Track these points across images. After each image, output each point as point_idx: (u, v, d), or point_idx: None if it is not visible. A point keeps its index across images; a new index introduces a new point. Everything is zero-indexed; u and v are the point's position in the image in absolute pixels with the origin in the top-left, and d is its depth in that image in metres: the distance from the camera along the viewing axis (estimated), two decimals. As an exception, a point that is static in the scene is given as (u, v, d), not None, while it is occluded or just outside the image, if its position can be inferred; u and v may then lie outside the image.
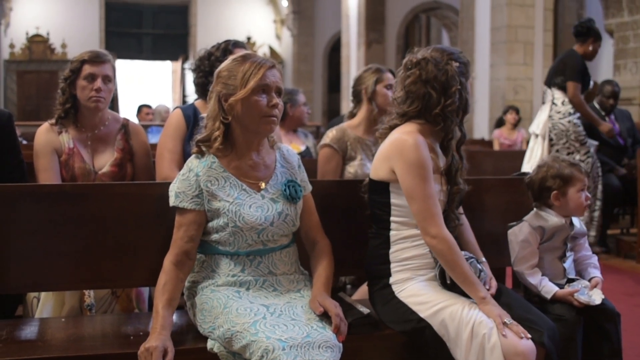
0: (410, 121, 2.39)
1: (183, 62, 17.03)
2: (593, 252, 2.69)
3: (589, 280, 2.55)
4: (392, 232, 2.36)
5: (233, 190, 2.20)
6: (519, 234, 2.54)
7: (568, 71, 5.67)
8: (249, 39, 18.08)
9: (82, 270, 2.38)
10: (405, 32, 14.85)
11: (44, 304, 2.66)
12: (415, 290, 2.28)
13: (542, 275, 2.51)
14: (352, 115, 3.58)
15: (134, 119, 7.51)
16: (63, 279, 2.39)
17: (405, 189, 2.28)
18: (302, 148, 4.88)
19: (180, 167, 2.50)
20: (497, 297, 2.28)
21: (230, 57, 2.28)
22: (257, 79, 2.15)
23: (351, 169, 3.42)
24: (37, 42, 16.99)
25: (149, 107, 10.34)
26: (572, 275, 2.57)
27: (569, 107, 5.71)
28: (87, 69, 2.85)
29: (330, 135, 3.48)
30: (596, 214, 5.81)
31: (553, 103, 5.78)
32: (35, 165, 2.88)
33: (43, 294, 2.65)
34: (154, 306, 2.12)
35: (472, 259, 2.31)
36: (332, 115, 15.27)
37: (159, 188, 2.42)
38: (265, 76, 2.17)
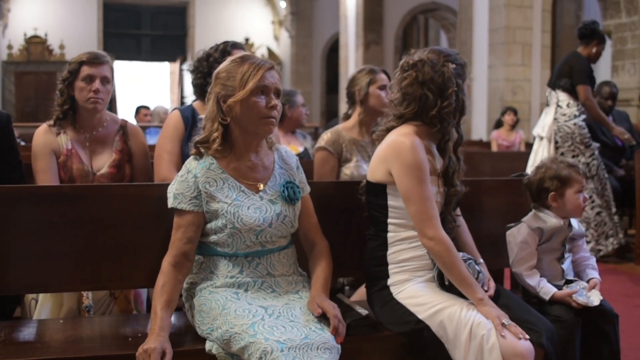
0: (407, 123, 2.39)
1: (181, 63, 17.02)
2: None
3: (587, 282, 2.55)
4: (389, 234, 2.36)
5: (231, 191, 2.20)
6: (518, 235, 2.54)
7: (576, 75, 5.62)
8: (247, 40, 18.06)
9: (81, 272, 2.38)
10: (403, 33, 14.85)
11: (42, 306, 2.65)
12: (414, 291, 2.28)
13: (541, 276, 2.51)
14: (347, 116, 3.58)
15: (132, 120, 7.53)
16: (62, 280, 2.39)
17: (402, 191, 2.28)
18: (301, 149, 4.88)
19: (178, 169, 2.50)
20: (496, 298, 2.28)
21: (229, 58, 2.28)
22: (256, 80, 2.15)
23: (347, 171, 3.42)
24: (35, 43, 16.96)
25: (147, 108, 10.35)
26: (570, 277, 2.58)
27: (574, 110, 5.67)
28: (85, 70, 2.85)
29: (325, 137, 3.48)
30: (615, 217, 5.74)
31: (558, 105, 5.73)
32: (33, 166, 2.87)
33: (41, 296, 2.65)
34: (153, 307, 2.12)
35: (471, 260, 2.32)
36: (331, 116, 15.27)
37: (157, 189, 2.42)
38: (264, 77, 2.17)
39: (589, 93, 5.63)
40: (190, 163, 2.23)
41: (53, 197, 2.38)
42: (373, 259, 2.40)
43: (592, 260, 2.66)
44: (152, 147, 3.08)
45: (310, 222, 2.37)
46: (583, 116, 5.69)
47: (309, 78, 18.57)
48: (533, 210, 2.61)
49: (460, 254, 2.30)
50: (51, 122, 2.92)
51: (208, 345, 2.10)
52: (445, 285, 2.27)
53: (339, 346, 2.02)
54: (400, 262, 2.33)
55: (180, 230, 2.19)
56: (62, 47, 16.94)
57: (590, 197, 5.54)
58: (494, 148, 8.35)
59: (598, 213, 5.63)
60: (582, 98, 5.63)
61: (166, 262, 2.18)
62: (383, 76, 3.47)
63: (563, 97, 5.73)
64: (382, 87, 3.42)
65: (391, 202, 2.35)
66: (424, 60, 2.35)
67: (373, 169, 2.40)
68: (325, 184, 2.89)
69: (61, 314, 2.65)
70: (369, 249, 2.44)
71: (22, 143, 5.13)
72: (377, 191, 2.38)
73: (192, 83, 3.14)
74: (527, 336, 2.09)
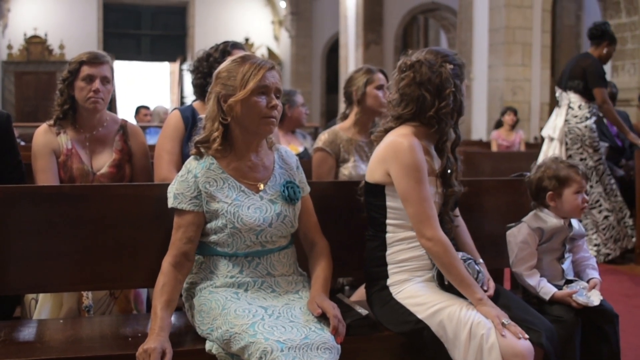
0: (405, 124, 2.39)
1: (181, 63, 17.02)
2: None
3: (588, 282, 2.55)
4: (388, 235, 2.36)
5: (232, 191, 2.20)
6: (518, 235, 2.54)
7: (591, 77, 5.57)
8: (247, 40, 18.06)
9: (81, 272, 2.38)
10: (403, 33, 14.86)
11: (42, 306, 2.65)
12: (413, 291, 2.28)
13: (541, 276, 2.51)
14: (344, 116, 3.57)
15: (132, 120, 7.53)
16: (62, 280, 2.39)
17: (401, 192, 2.28)
18: (301, 149, 4.88)
19: (178, 169, 2.50)
20: (496, 298, 2.28)
21: (230, 58, 2.28)
22: (257, 80, 2.15)
23: (345, 171, 3.41)
24: (35, 43, 16.96)
25: (147, 108, 10.34)
26: (570, 277, 2.58)
27: (585, 112, 5.64)
28: (85, 70, 2.85)
29: (322, 138, 3.47)
30: (630, 221, 5.71)
31: (569, 107, 5.70)
32: (33, 166, 2.87)
33: (41, 296, 2.65)
34: (153, 307, 2.12)
35: (470, 260, 2.32)
36: (331, 116, 15.26)
37: (157, 189, 2.42)
38: (264, 77, 2.17)
39: (605, 96, 5.59)
40: (191, 163, 2.23)
41: (53, 197, 2.38)
42: (372, 259, 2.40)
43: (592, 260, 2.66)
44: (152, 147, 3.08)
45: (310, 222, 2.37)
46: (594, 118, 5.66)
47: (309, 78, 18.57)
48: (534, 210, 2.62)
49: (460, 253, 2.30)
50: (51, 121, 2.92)
51: (208, 345, 2.11)
52: (445, 285, 2.27)
53: (339, 346, 2.02)
54: (399, 262, 2.33)
55: (181, 230, 2.20)
56: (62, 47, 16.93)
57: (598, 201, 5.53)
58: (494, 148, 8.35)
59: (606, 217, 5.61)
60: (599, 101, 5.58)
61: (166, 262, 2.18)
62: (380, 76, 3.45)
63: (575, 98, 5.69)
64: (380, 87, 3.41)
65: (390, 202, 2.35)
66: (422, 60, 2.35)
67: (371, 170, 2.40)
68: (324, 184, 2.89)
69: (61, 314, 2.65)
70: (368, 249, 2.44)
71: (22, 143, 5.13)
72: (376, 192, 2.38)
73: (192, 83, 3.14)
74: (527, 336, 2.10)
